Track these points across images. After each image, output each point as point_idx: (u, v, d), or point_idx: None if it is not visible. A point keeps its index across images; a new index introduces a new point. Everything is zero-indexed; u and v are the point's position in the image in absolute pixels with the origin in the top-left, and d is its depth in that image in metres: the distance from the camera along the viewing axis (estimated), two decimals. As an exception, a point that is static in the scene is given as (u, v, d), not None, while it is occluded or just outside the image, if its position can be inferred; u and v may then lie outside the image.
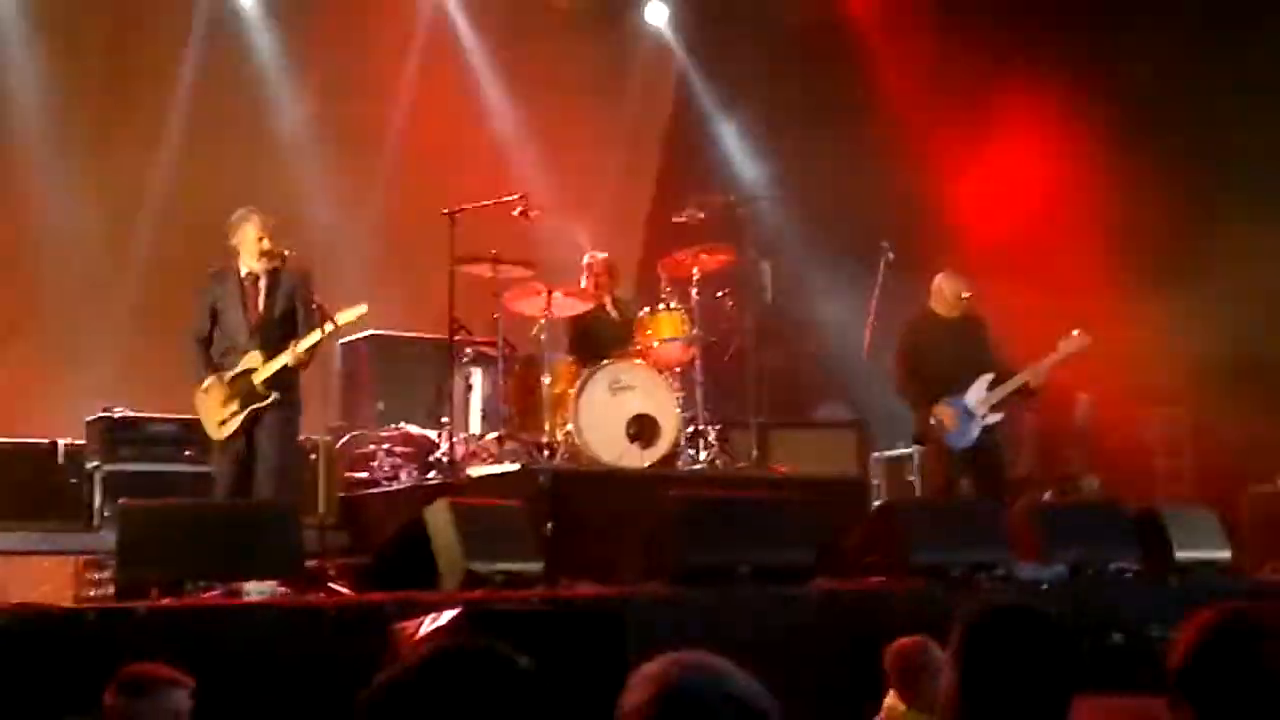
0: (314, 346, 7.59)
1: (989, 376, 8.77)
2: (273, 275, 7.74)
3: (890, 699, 5.32)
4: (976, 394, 8.77)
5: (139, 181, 10.43)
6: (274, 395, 7.59)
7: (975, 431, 8.77)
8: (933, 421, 8.79)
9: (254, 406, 7.57)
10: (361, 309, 7.78)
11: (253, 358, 7.63)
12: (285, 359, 7.58)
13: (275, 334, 7.70)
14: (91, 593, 7.49)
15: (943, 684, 3.02)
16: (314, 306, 7.57)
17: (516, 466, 8.38)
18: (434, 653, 2.17)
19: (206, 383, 7.57)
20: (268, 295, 7.75)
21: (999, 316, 9.28)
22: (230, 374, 7.63)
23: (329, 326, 7.56)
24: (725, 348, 9.62)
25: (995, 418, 8.83)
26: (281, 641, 5.61)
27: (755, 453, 9.51)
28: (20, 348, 10.02)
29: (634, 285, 10.18)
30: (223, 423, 7.59)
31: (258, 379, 7.59)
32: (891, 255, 9.48)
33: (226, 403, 7.58)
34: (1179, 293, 10.76)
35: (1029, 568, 7.61)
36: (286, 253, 7.66)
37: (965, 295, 8.97)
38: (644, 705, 2.05)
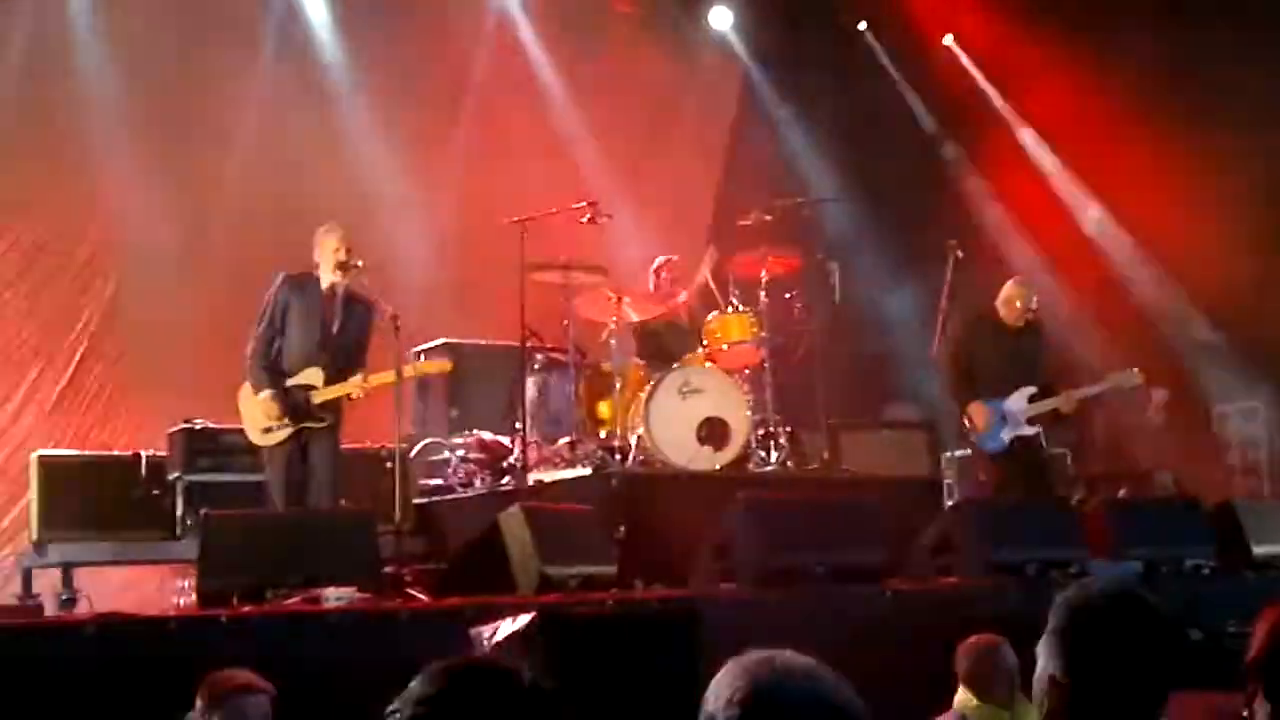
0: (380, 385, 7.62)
1: (1031, 389, 8.71)
2: (352, 296, 7.77)
3: (961, 694, 5.27)
4: (1017, 403, 8.71)
5: (211, 194, 10.56)
6: (328, 420, 7.63)
7: (1006, 437, 8.71)
8: (965, 421, 8.74)
9: (307, 425, 7.60)
10: (446, 365, 7.80)
11: (314, 374, 7.60)
12: (352, 390, 7.60)
13: (339, 356, 7.71)
14: (175, 601, 7.58)
15: (1040, 669, 2.94)
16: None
17: (588, 471, 8.40)
18: (444, 673, 2.19)
19: (264, 394, 7.57)
20: (342, 315, 7.77)
21: (1060, 325, 9.21)
22: (288, 384, 7.64)
23: (408, 370, 7.60)
24: (794, 349, 9.59)
25: (1030, 430, 8.76)
26: (360, 647, 5.66)
27: (826, 454, 9.47)
28: (104, 363, 10.19)
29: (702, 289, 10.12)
30: (266, 430, 7.60)
31: (317, 398, 7.61)
32: (960, 254, 9.40)
33: (281, 412, 7.59)
34: (1257, 284, 10.62)
35: (1104, 565, 7.53)
36: (359, 263, 7.69)
37: (1033, 307, 8.91)
38: (734, 704, 2.05)
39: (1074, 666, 2.74)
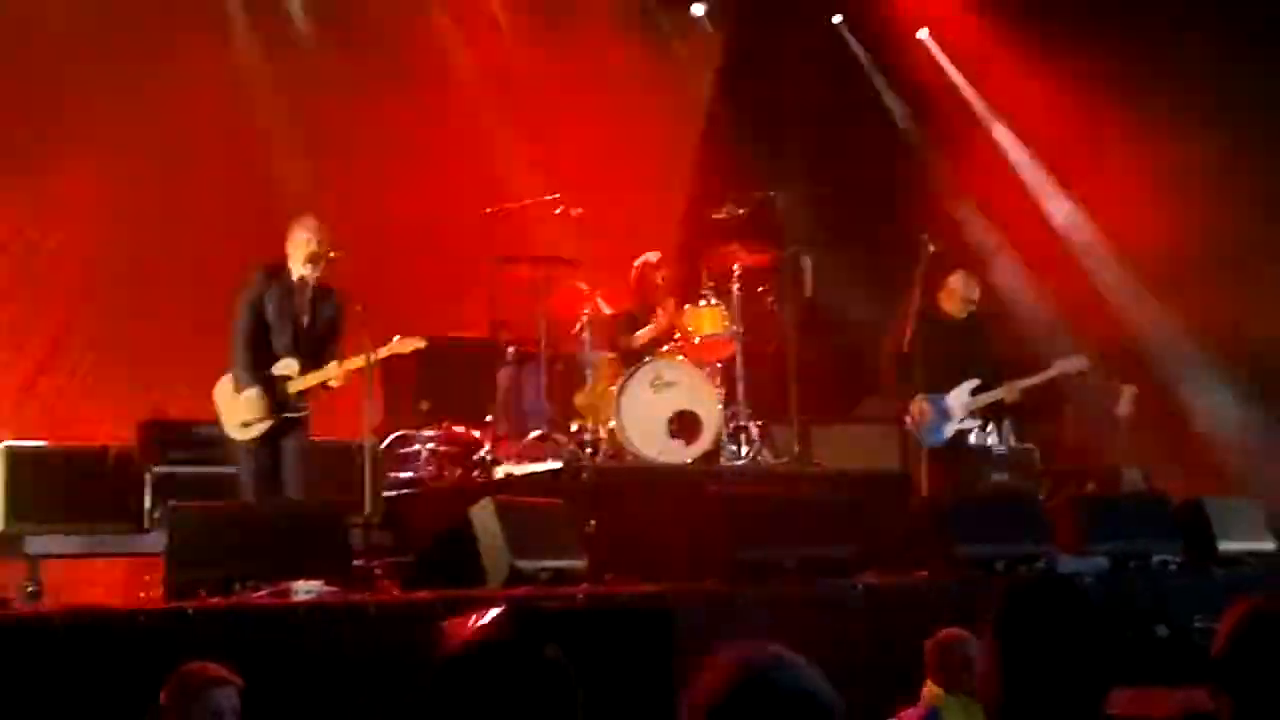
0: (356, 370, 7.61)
1: (975, 382, 8.74)
2: (321, 288, 7.76)
3: (930, 686, 5.31)
4: (959, 397, 8.75)
5: (179, 182, 10.47)
6: (306, 409, 7.62)
7: (948, 432, 8.75)
8: (906, 417, 8.77)
9: (287, 416, 7.59)
10: (420, 343, 7.81)
11: (289, 365, 7.62)
12: (330, 378, 7.59)
13: (315, 346, 7.71)
14: (143, 594, 7.55)
15: (980, 655, 2.98)
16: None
17: (559, 464, 8.42)
18: (468, 649, 2.20)
19: (251, 392, 7.56)
20: (314, 306, 7.75)
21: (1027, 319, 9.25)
22: (264, 374, 7.63)
23: (381, 352, 7.60)
24: (766, 343, 9.61)
25: (972, 423, 8.80)
26: (329, 640, 5.67)
27: (797, 448, 9.49)
28: (71, 354, 10.11)
29: (672, 282, 10.13)
30: (246, 424, 7.59)
31: (293, 388, 7.60)
32: (932, 248, 9.42)
33: (265, 413, 7.58)
34: (1232, 279, 10.69)
35: (1071, 560, 7.58)
36: (332, 254, 7.68)
37: (975, 298, 8.93)
38: (717, 695, 2.07)
39: (1007, 659, 2.78)
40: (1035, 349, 9.50)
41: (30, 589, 7.84)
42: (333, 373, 7.58)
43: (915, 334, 8.87)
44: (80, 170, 10.23)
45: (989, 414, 8.92)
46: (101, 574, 8.64)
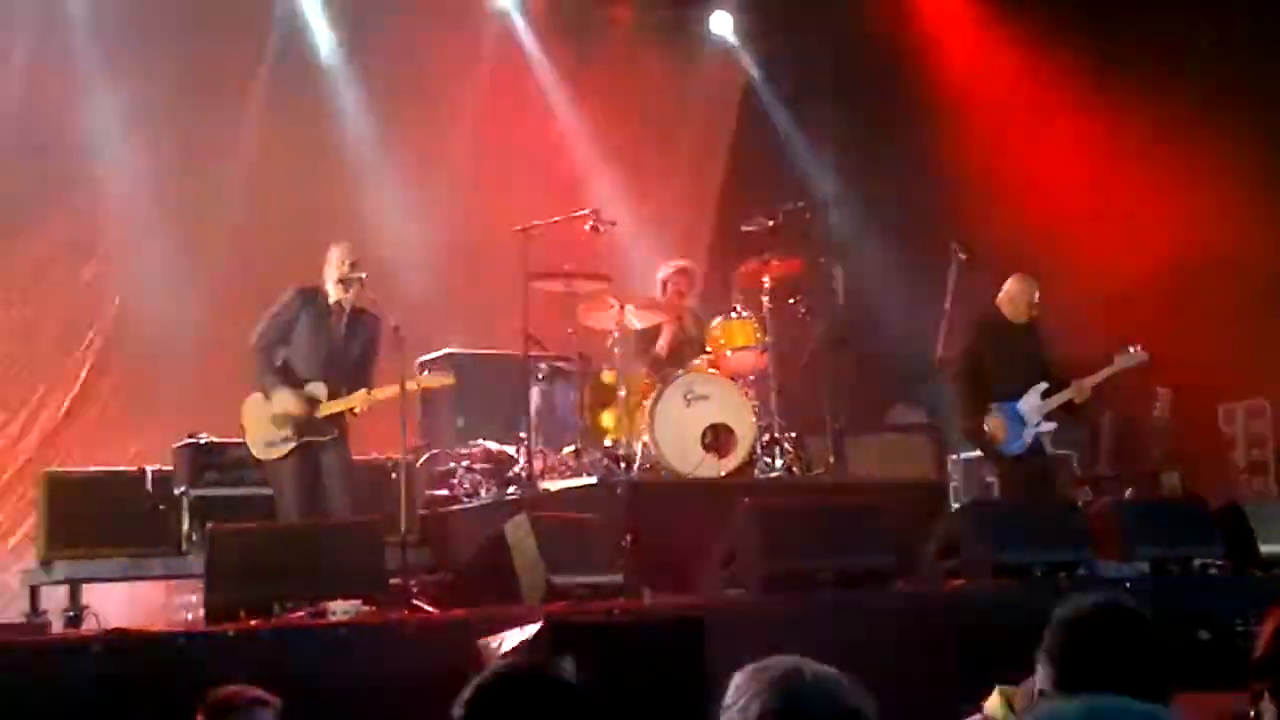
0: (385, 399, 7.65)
1: (1043, 386, 8.69)
2: (357, 313, 7.82)
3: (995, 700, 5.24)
4: (1030, 401, 8.69)
5: (212, 209, 10.54)
6: (334, 433, 7.67)
7: (1027, 438, 8.69)
8: (985, 429, 8.71)
9: (312, 439, 7.64)
10: (448, 380, 7.85)
11: (318, 389, 7.69)
12: (356, 404, 7.65)
13: (345, 371, 7.78)
14: (181, 616, 7.59)
15: (1035, 682, 2.92)
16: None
17: (594, 479, 8.40)
18: (489, 678, 2.20)
19: (281, 392, 7.61)
20: (348, 330, 7.84)
21: (1066, 320, 9.19)
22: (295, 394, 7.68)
23: (412, 385, 7.64)
24: (798, 355, 9.59)
25: (1048, 426, 8.75)
26: (366, 659, 5.69)
27: (831, 459, 9.46)
28: (110, 379, 10.20)
29: (703, 295, 10.15)
30: (270, 444, 7.64)
31: (320, 412, 7.66)
32: (963, 256, 9.39)
33: (280, 424, 7.63)
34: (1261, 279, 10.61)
35: (1111, 566, 7.52)
36: (361, 275, 7.73)
37: (1036, 301, 8.90)
38: (754, 709, 2.05)
39: (1063, 682, 2.72)
40: (1079, 351, 9.42)
41: (71, 613, 7.90)
42: (359, 401, 7.65)
43: (979, 343, 8.83)
44: (115, 198, 10.32)
45: (1060, 416, 8.86)
46: (141, 597, 8.69)
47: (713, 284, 10.13)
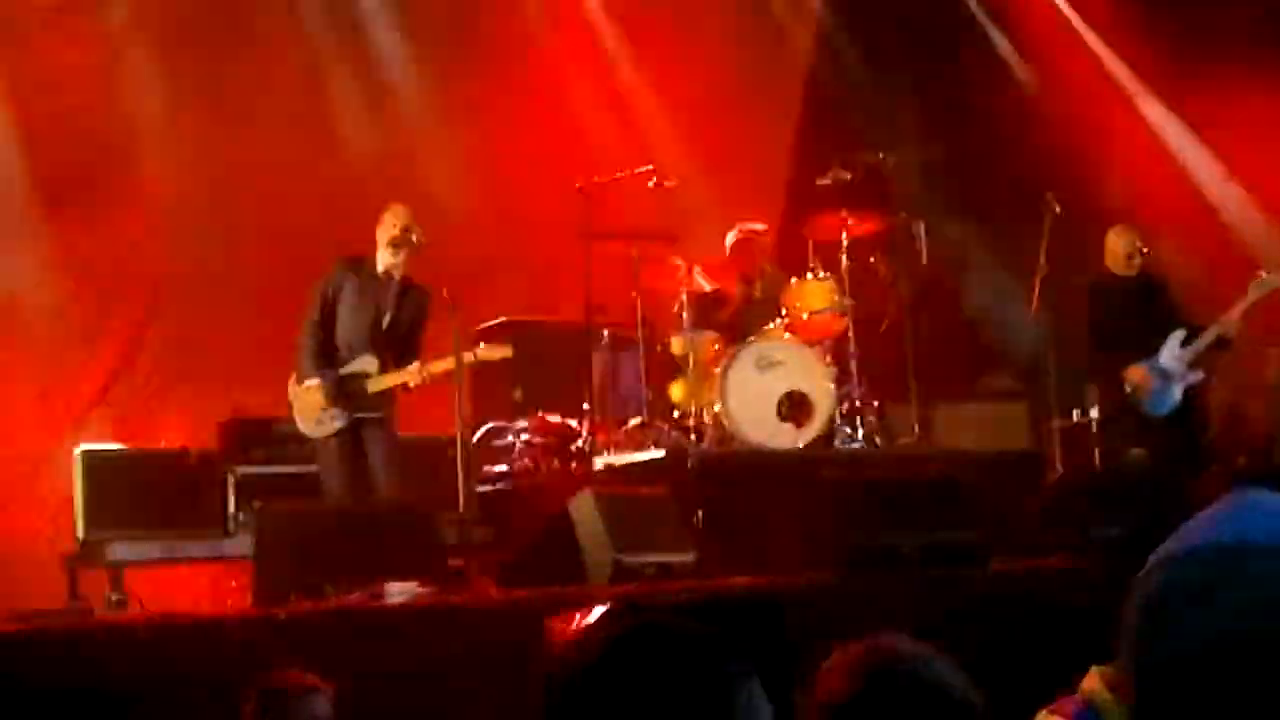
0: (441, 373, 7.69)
1: (1180, 334, 8.58)
2: (407, 283, 7.86)
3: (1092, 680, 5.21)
4: (1170, 353, 8.57)
5: (252, 169, 10.58)
6: (384, 410, 7.71)
7: (1177, 394, 8.59)
8: (1127, 389, 8.60)
9: (361, 415, 7.70)
10: (506, 352, 7.90)
11: (368, 362, 7.75)
12: (410, 378, 7.69)
13: (396, 343, 7.83)
14: (229, 600, 7.69)
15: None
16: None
17: (662, 452, 8.44)
18: (611, 636, 2.14)
19: (310, 383, 7.67)
20: (398, 300, 7.87)
21: (1182, 270, 9.09)
22: (341, 372, 7.74)
23: (468, 358, 7.67)
24: (879, 317, 9.53)
25: (1195, 376, 8.64)
26: (426, 643, 5.73)
27: (917, 428, 9.41)
28: (150, 353, 10.28)
29: (777, 254, 10.12)
30: (318, 421, 7.71)
31: (371, 387, 7.71)
32: (1057, 209, 9.29)
33: (329, 402, 7.70)
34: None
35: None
36: (415, 238, 7.77)
37: (1142, 250, 8.80)
38: (843, 693, 2.04)
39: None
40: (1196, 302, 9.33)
41: (114, 597, 8.02)
42: (414, 375, 7.68)
43: (1096, 309, 8.78)
44: (154, 167, 10.40)
45: (1212, 360, 8.73)
46: (186, 580, 8.80)
47: (787, 243, 10.08)
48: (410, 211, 7.92)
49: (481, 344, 8.02)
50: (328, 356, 7.77)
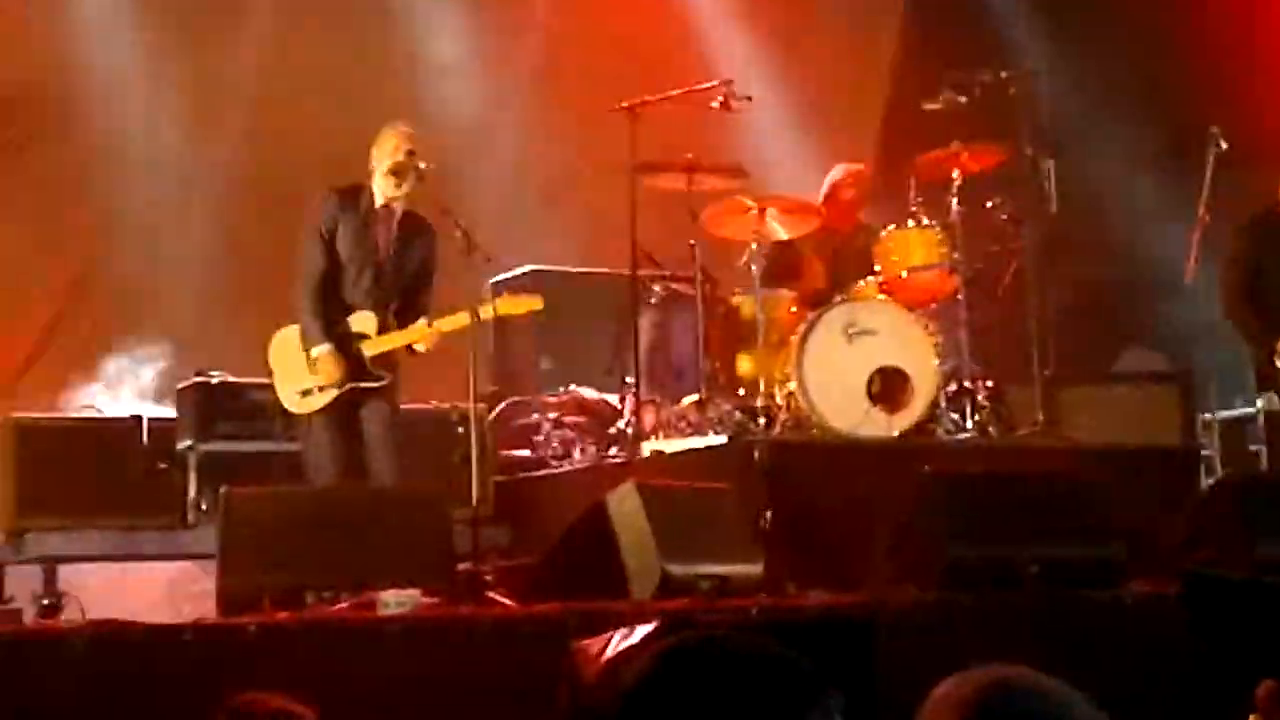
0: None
1: None
2: (411, 219, 7.86)
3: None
4: None
5: (228, 85, 10.67)
6: (386, 378, 7.74)
7: None
8: (1277, 362, 8.59)
9: (358, 386, 7.72)
10: (535, 303, 7.90)
11: (365, 320, 7.74)
12: (416, 339, 7.70)
13: (398, 295, 7.82)
14: (189, 606, 7.74)
15: None
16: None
17: (724, 439, 8.44)
18: (658, 658, 2.18)
19: (321, 350, 7.69)
20: (400, 240, 7.86)
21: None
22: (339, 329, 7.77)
23: (486, 311, 7.68)
24: (997, 277, 9.51)
25: None
26: (427, 664, 5.77)
27: (1041, 416, 9.40)
28: (94, 303, 10.36)
29: (870, 196, 10.11)
30: (305, 393, 7.72)
31: (369, 350, 7.72)
32: (1223, 145, 9.23)
33: (334, 373, 7.72)
34: None
35: None
36: (422, 164, 7.76)
37: None
38: None
39: None
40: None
41: (46, 600, 8.09)
42: (421, 334, 7.68)
43: (1254, 251, 8.82)
44: (107, 69, 10.46)
45: None
46: (137, 581, 8.87)
47: (884, 181, 10.06)
48: (411, 132, 7.91)
49: (504, 293, 7.99)
50: (334, 316, 7.75)
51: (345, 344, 7.74)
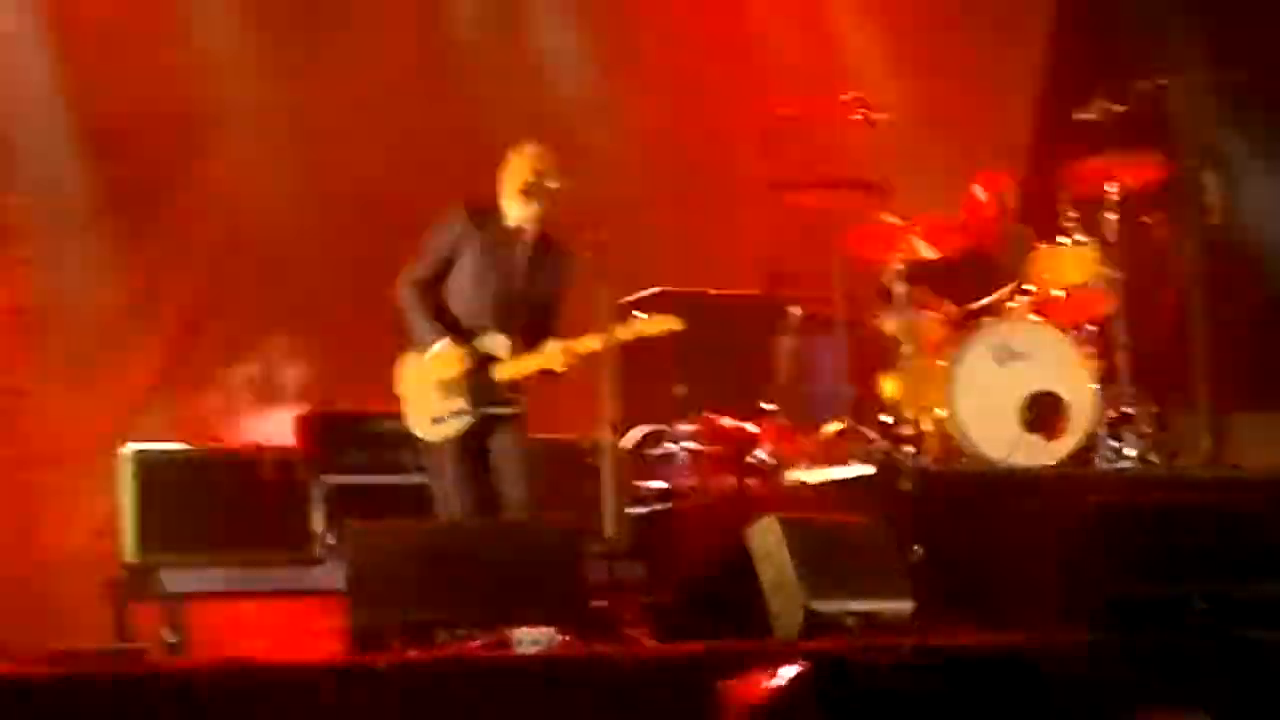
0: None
1: None
2: (545, 241, 7.88)
3: None
4: None
5: (346, 102, 10.74)
6: (518, 404, 7.75)
7: None
8: None
9: (491, 411, 7.73)
10: (675, 324, 7.88)
11: (499, 343, 7.74)
12: (553, 362, 7.70)
13: (532, 319, 7.83)
14: (315, 645, 7.77)
15: None
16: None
17: (870, 468, 8.42)
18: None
19: (441, 345, 7.71)
20: (532, 263, 7.88)
21: None
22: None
23: (624, 333, 7.67)
24: (1159, 295, 9.41)
25: None
26: (566, 705, 5.76)
27: (1209, 444, 9.28)
28: (215, 333, 10.44)
29: (1020, 211, 10.03)
30: (437, 419, 7.72)
31: (502, 374, 7.73)
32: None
33: (450, 393, 7.73)
34: None
35: None
36: (551, 184, 7.78)
37: None
38: None
39: None
40: None
41: (171, 638, 8.16)
42: (556, 357, 7.67)
43: None
44: (224, 97, 10.59)
45: None
46: (261, 617, 8.93)
47: (1034, 197, 9.97)
48: (544, 152, 7.93)
49: (643, 314, 7.95)
50: (449, 324, 7.77)
51: (476, 367, 7.75)
